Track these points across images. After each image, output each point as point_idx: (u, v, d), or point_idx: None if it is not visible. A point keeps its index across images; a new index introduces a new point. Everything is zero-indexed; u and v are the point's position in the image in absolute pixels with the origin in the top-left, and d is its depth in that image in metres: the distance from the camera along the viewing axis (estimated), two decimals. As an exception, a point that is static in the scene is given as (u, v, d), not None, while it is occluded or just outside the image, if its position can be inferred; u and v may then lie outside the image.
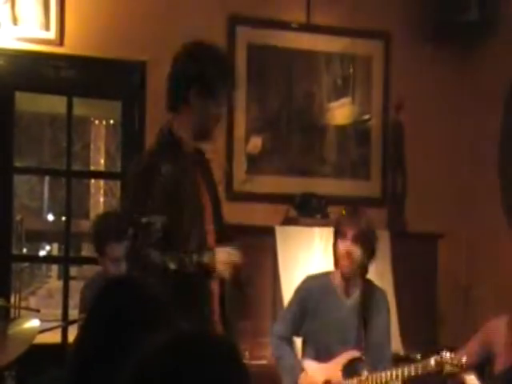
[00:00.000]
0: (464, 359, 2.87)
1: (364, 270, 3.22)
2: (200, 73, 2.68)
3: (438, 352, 2.92)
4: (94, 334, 1.64)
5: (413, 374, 2.94)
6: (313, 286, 3.25)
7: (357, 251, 3.14)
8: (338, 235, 3.20)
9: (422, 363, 2.95)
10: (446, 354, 2.87)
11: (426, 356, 3.10)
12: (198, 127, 2.73)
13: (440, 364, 2.86)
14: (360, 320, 3.16)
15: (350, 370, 3.10)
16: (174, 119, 2.76)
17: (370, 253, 3.19)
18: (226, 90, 2.76)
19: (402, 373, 2.96)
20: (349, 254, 3.14)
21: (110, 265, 3.22)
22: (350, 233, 3.15)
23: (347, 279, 3.21)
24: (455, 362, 2.85)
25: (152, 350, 1.11)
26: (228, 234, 2.86)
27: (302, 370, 3.15)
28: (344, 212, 3.31)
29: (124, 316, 1.61)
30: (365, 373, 3.05)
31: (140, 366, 1.10)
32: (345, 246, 3.15)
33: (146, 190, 2.64)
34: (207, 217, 2.77)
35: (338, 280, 3.23)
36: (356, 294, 3.22)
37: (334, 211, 3.98)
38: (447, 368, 2.85)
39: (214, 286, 2.74)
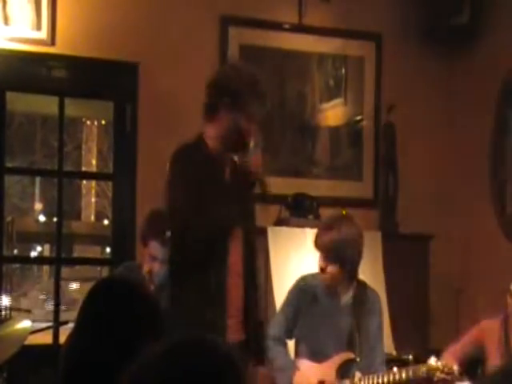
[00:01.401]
0: (455, 367, 2.87)
1: (352, 274, 3.20)
2: (229, 85, 2.79)
3: (429, 357, 2.92)
4: (82, 334, 1.63)
5: (404, 379, 2.95)
6: (306, 287, 3.24)
7: (330, 267, 3.12)
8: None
9: (412, 369, 2.95)
10: (437, 362, 2.87)
11: (417, 358, 3.10)
12: (225, 138, 2.80)
13: (431, 371, 2.86)
14: (353, 321, 3.16)
15: (343, 371, 3.10)
16: (206, 128, 2.85)
17: (347, 263, 3.14)
18: (256, 105, 2.80)
19: (394, 378, 2.97)
20: (323, 269, 3.15)
21: (147, 259, 3.21)
22: (319, 251, 3.15)
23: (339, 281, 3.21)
24: (446, 369, 2.85)
25: (147, 357, 1.11)
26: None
27: (296, 369, 3.15)
28: (324, 222, 3.29)
29: (112, 317, 1.61)
30: (357, 375, 3.06)
31: (135, 375, 1.10)
32: (319, 261, 3.16)
33: (172, 185, 2.75)
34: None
35: (331, 281, 3.22)
36: (349, 295, 3.21)
37: (326, 212, 3.98)
38: (438, 375, 2.86)
39: (232, 289, 2.77)
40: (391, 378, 2.97)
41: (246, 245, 2.83)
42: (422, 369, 2.89)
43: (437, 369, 2.85)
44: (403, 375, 2.94)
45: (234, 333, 2.74)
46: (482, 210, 4.54)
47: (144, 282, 3.07)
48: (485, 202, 4.50)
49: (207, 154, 2.79)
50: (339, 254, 3.11)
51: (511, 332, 3.24)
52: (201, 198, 2.69)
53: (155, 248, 3.15)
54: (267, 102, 2.86)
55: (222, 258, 2.74)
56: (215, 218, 2.68)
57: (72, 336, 1.67)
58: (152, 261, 3.17)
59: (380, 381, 3.00)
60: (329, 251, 3.11)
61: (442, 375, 2.85)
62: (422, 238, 4.40)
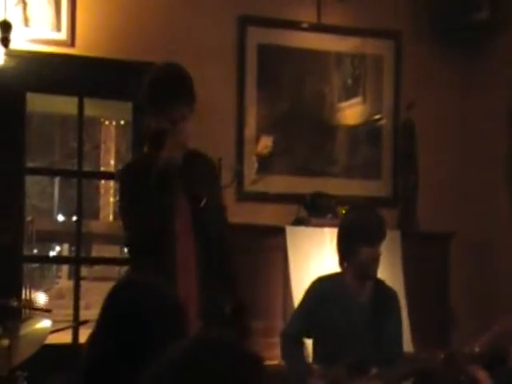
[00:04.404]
0: (475, 350, 2.85)
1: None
2: (143, 92, 2.95)
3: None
4: (103, 335, 1.64)
5: (421, 369, 2.95)
6: (324, 287, 3.23)
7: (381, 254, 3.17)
8: (363, 242, 3.13)
9: (431, 359, 2.94)
10: (455, 350, 2.87)
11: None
12: (150, 141, 2.94)
13: (450, 358, 2.85)
14: (372, 320, 3.14)
15: (358, 372, 3.08)
16: None
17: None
18: (173, 105, 2.82)
19: (412, 369, 2.97)
20: (378, 259, 3.14)
21: None
22: (379, 239, 3.14)
23: (360, 280, 3.20)
24: (464, 356, 2.84)
25: (168, 358, 1.10)
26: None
27: (310, 374, 3.13)
28: (363, 215, 3.27)
29: (133, 317, 1.61)
30: (373, 370, 3.03)
31: (156, 376, 1.09)
32: (375, 251, 3.14)
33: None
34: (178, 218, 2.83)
35: (349, 281, 3.21)
36: (367, 294, 3.20)
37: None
38: (457, 362, 2.84)
39: (183, 257, 2.81)
40: (409, 369, 2.98)
41: (199, 240, 2.84)
42: (441, 357, 2.88)
43: (455, 355, 2.84)
44: (421, 365, 2.95)
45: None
46: (502, 208, 4.50)
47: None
48: (505, 200, 4.46)
49: (143, 163, 2.86)
50: None
51: None
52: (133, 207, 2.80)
53: None
54: (186, 98, 2.84)
55: (167, 258, 2.77)
56: (145, 222, 2.75)
57: (93, 336, 1.67)
58: None
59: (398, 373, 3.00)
60: None
61: (461, 361, 2.84)
62: (442, 237, 4.36)
